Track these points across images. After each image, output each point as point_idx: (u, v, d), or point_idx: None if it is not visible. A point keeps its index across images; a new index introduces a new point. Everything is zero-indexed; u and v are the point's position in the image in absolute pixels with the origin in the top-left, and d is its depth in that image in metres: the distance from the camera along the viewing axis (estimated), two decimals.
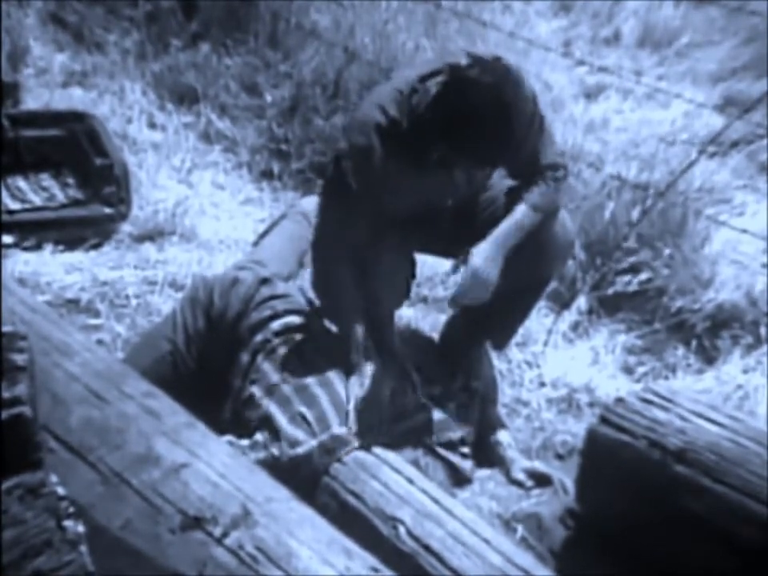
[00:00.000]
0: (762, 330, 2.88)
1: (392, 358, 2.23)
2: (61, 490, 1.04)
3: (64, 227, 2.99)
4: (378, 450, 1.83)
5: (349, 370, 2.11)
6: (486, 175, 2.22)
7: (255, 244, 2.80)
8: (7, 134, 3.07)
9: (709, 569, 1.52)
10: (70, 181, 3.16)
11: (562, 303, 2.95)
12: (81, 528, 1.02)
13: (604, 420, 1.68)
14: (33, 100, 3.60)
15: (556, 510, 1.90)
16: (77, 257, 2.89)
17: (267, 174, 3.58)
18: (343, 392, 2.05)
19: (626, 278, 3.01)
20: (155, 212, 3.13)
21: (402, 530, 1.54)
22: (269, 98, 3.81)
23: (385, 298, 2.24)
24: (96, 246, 2.97)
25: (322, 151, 3.55)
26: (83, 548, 1.01)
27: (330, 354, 2.15)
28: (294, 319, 2.21)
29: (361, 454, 1.79)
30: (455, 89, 1.93)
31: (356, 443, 1.88)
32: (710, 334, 2.90)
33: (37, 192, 3.10)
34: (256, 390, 2.08)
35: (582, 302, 2.96)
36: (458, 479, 2.20)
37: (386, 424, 2.12)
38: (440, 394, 2.31)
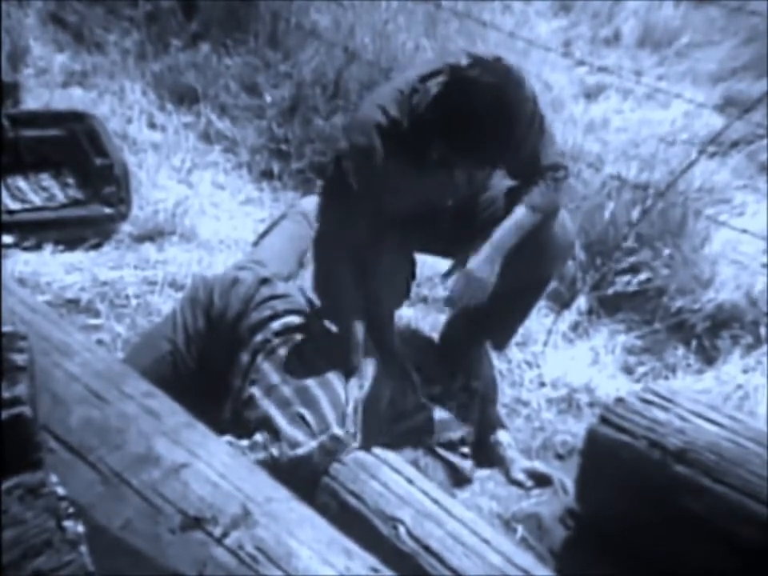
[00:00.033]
0: (762, 330, 2.88)
1: (392, 358, 2.23)
2: (61, 490, 1.04)
3: (64, 227, 2.99)
4: (377, 450, 1.83)
5: (348, 371, 2.11)
6: (486, 175, 2.22)
7: (255, 244, 2.80)
8: (7, 134, 3.07)
9: (709, 569, 1.52)
10: (70, 181, 3.15)
11: (562, 303, 2.95)
12: (81, 528, 1.02)
13: (604, 420, 1.68)
14: (33, 100, 3.60)
15: (556, 510, 1.90)
16: (77, 257, 2.89)
17: (267, 174, 3.58)
18: (343, 393, 2.05)
19: (626, 278, 3.01)
20: (155, 212, 3.13)
21: (402, 530, 1.54)
22: (269, 98, 3.81)
23: (385, 298, 2.24)
24: (96, 246, 2.97)
25: (322, 151, 3.55)
26: (83, 548, 1.01)
27: (329, 354, 2.15)
28: (294, 319, 2.21)
29: (361, 454, 1.79)
30: (456, 89, 1.93)
31: (356, 444, 1.88)
32: (710, 334, 2.90)
33: (37, 192, 3.10)
34: (256, 391, 2.08)
35: (582, 302, 2.96)
36: (458, 479, 2.20)
37: (386, 424, 2.12)
38: (440, 393, 2.32)
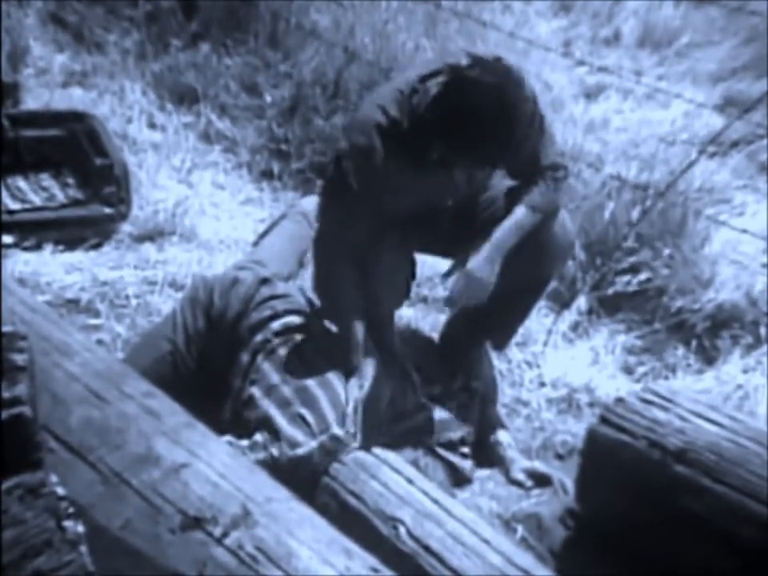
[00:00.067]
0: (762, 330, 2.88)
1: (392, 358, 2.23)
2: (61, 490, 1.04)
3: (64, 227, 2.99)
4: (377, 450, 1.83)
5: (348, 371, 2.11)
6: (486, 175, 2.22)
7: (255, 244, 2.80)
8: (7, 134, 3.07)
9: (709, 569, 1.52)
10: (70, 181, 3.15)
11: (562, 303, 2.95)
12: (81, 528, 1.02)
13: (604, 420, 1.68)
14: (33, 100, 3.60)
15: (556, 510, 1.90)
16: (77, 257, 2.89)
17: (267, 174, 3.58)
18: (343, 393, 2.05)
19: (626, 278, 3.01)
20: (155, 212, 3.13)
21: (402, 530, 1.54)
22: (269, 98, 3.81)
23: (385, 298, 2.24)
24: (96, 246, 2.97)
25: (322, 151, 3.55)
26: (83, 548, 1.01)
27: (329, 354, 2.15)
28: (294, 319, 2.21)
29: (361, 454, 1.79)
30: (456, 89, 1.93)
31: (356, 444, 1.88)
32: (710, 334, 2.90)
33: (37, 192, 3.10)
34: (256, 391, 2.08)
35: (582, 302, 2.96)
36: (458, 479, 2.20)
37: (386, 424, 2.12)
38: (440, 393, 2.32)
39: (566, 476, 2.14)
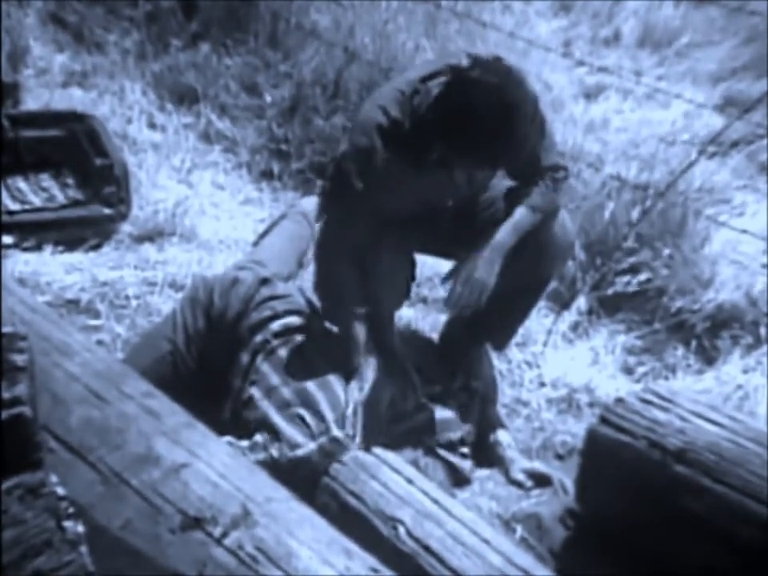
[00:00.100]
0: (762, 330, 2.88)
1: (392, 358, 2.23)
2: (61, 490, 1.04)
3: (64, 227, 2.99)
4: (377, 450, 1.83)
5: (349, 372, 2.11)
6: (486, 176, 2.22)
7: (255, 244, 2.80)
8: (7, 134, 3.07)
9: (709, 569, 1.52)
10: (70, 181, 3.16)
11: (562, 303, 2.95)
12: (81, 528, 1.02)
13: (604, 420, 1.68)
14: (33, 100, 3.60)
15: (556, 510, 1.89)
16: (77, 257, 2.89)
17: (267, 174, 3.58)
18: (342, 394, 2.05)
19: (626, 278, 3.01)
20: (155, 212, 3.13)
21: (401, 530, 1.53)
22: (269, 98, 3.81)
23: (385, 298, 2.24)
24: (96, 247, 2.97)
25: (322, 151, 3.56)
26: (83, 548, 1.01)
27: (329, 355, 2.15)
28: (294, 320, 2.21)
29: (361, 454, 1.79)
30: (457, 89, 1.94)
31: (355, 446, 1.88)
32: (709, 334, 2.90)
33: (37, 192, 3.10)
34: (255, 391, 2.08)
35: (581, 302, 2.96)
36: (458, 479, 2.20)
37: (386, 425, 2.12)
38: (440, 393, 2.32)
39: (566, 476, 2.14)
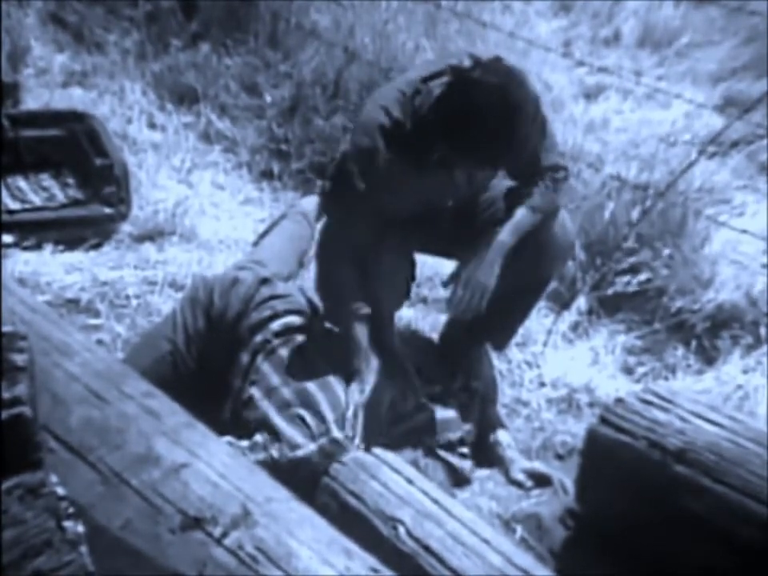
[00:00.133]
0: (762, 330, 2.88)
1: (392, 358, 2.23)
2: (61, 490, 1.04)
3: (64, 227, 2.99)
4: (377, 450, 1.83)
5: (349, 373, 2.11)
6: (486, 176, 2.22)
7: (255, 244, 2.80)
8: (7, 134, 3.07)
9: (709, 569, 1.52)
10: (70, 181, 3.16)
11: (562, 303, 2.95)
12: (81, 528, 1.02)
13: (604, 420, 1.68)
14: (33, 100, 3.60)
15: (556, 510, 1.89)
16: (77, 257, 2.89)
17: (267, 174, 3.58)
18: (343, 396, 2.05)
19: (626, 278, 3.01)
20: (155, 212, 3.13)
21: (401, 530, 1.53)
22: (269, 98, 3.81)
23: (385, 298, 2.24)
24: (96, 246, 2.97)
25: (322, 151, 3.56)
26: (83, 548, 1.01)
27: (330, 355, 2.15)
28: (294, 319, 2.21)
29: (361, 454, 1.79)
30: (459, 90, 1.94)
31: (355, 448, 1.88)
32: (709, 334, 2.90)
33: (37, 192, 3.10)
34: (255, 391, 2.08)
35: (581, 302, 2.96)
36: (458, 479, 2.20)
37: (385, 427, 2.12)
38: (440, 393, 2.32)
39: (566, 476, 2.14)
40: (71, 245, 2.93)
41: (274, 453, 1.93)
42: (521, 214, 2.13)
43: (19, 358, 1.12)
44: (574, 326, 2.90)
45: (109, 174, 3.09)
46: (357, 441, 1.96)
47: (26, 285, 2.62)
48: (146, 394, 1.36)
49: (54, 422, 1.27)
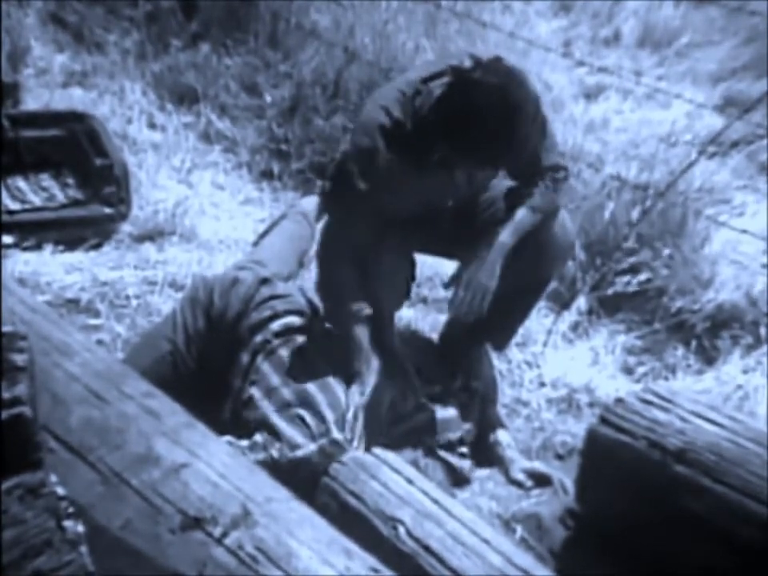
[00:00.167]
0: (762, 330, 2.88)
1: (392, 358, 2.23)
2: (61, 490, 1.04)
3: (64, 227, 3.00)
4: (377, 450, 1.83)
5: (349, 374, 2.11)
6: (486, 176, 2.22)
7: (255, 244, 2.80)
8: (7, 134, 3.07)
9: (709, 569, 1.52)
10: (70, 181, 3.16)
11: (562, 303, 2.95)
12: (81, 528, 1.02)
13: (604, 420, 1.68)
14: (33, 100, 3.60)
15: (556, 510, 1.89)
16: (77, 257, 2.89)
17: (267, 174, 3.58)
18: (343, 397, 2.05)
19: (626, 278, 3.01)
20: (155, 212, 3.13)
21: (401, 530, 1.53)
22: (269, 98, 3.81)
23: (385, 298, 2.24)
24: (96, 246, 2.97)
25: (322, 151, 3.56)
26: (83, 548, 1.01)
27: (330, 355, 2.15)
28: (294, 319, 2.21)
29: (361, 454, 1.79)
30: (459, 90, 1.94)
31: (354, 449, 1.89)
32: (709, 334, 2.90)
33: (37, 192, 3.10)
34: (256, 391, 2.08)
35: (581, 302, 2.96)
36: (457, 479, 2.20)
37: (385, 427, 2.12)
38: (440, 393, 2.32)
39: (566, 476, 2.14)
40: (71, 245, 2.94)
41: (274, 453, 1.93)
42: (521, 214, 2.13)
43: (19, 358, 1.12)
44: (574, 326, 2.90)
45: (109, 174, 3.09)
46: (356, 443, 1.96)
47: (26, 285, 2.62)
48: (145, 394, 1.36)
49: (54, 422, 1.27)
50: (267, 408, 2.04)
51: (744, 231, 2.92)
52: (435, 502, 1.59)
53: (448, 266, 2.27)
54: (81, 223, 3.03)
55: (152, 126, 3.69)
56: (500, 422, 2.40)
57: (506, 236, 2.11)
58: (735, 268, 3.08)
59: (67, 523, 1.01)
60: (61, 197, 3.11)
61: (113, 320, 2.60)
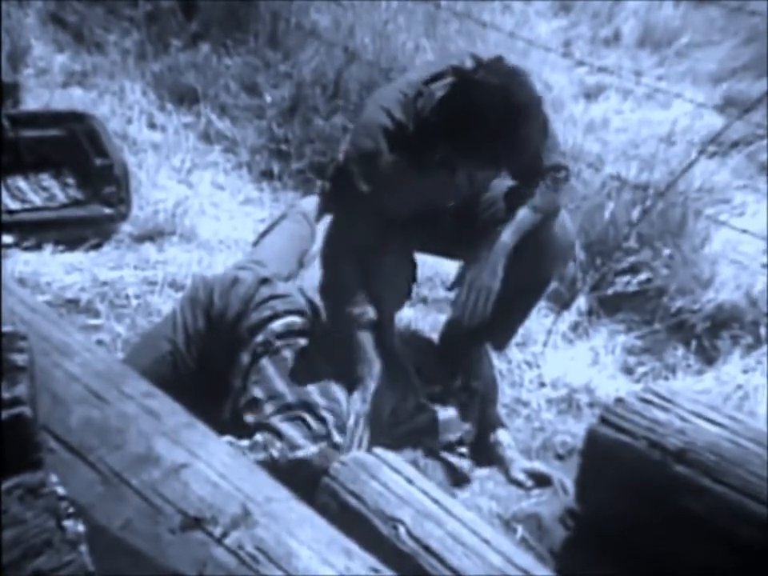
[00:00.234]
0: (762, 330, 2.88)
1: (392, 359, 2.23)
2: (61, 490, 1.04)
3: (64, 227, 3.00)
4: (378, 450, 1.83)
5: (351, 377, 2.10)
6: (487, 176, 2.22)
7: (255, 244, 2.80)
8: (7, 134, 3.07)
9: (709, 569, 1.52)
10: (70, 181, 3.15)
11: (562, 303, 2.95)
12: (81, 528, 1.02)
13: (604, 420, 1.68)
14: (33, 100, 3.60)
15: (556, 510, 1.89)
16: (77, 257, 2.89)
17: (267, 174, 3.58)
18: (344, 399, 2.05)
19: (626, 278, 3.01)
20: (155, 212, 3.13)
21: (402, 530, 1.53)
22: (269, 98, 3.81)
23: (386, 299, 2.24)
24: (96, 246, 2.97)
25: (322, 151, 3.56)
26: (83, 548, 1.01)
27: (331, 355, 2.15)
28: (294, 319, 2.21)
29: (361, 454, 1.79)
30: (461, 91, 1.94)
31: (354, 452, 1.89)
32: (709, 334, 2.90)
33: (37, 192, 3.10)
34: (256, 392, 2.08)
35: (581, 302, 2.96)
36: (457, 479, 2.20)
37: (386, 429, 2.12)
38: (440, 393, 2.32)
39: (566, 476, 2.14)
40: (71, 245, 2.94)
41: (274, 453, 1.93)
42: (522, 214, 2.13)
43: (19, 358, 1.12)
44: (574, 326, 2.90)
45: (109, 174, 3.09)
46: (357, 449, 1.96)
47: (26, 285, 2.62)
48: (145, 394, 1.36)
49: (54, 422, 1.26)
50: (268, 408, 2.04)
51: (744, 231, 2.92)
52: (435, 501, 1.59)
53: (448, 266, 2.27)
54: (81, 223, 3.03)
55: (152, 125, 3.69)
56: (500, 421, 2.40)
57: (507, 236, 2.11)
58: (735, 268, 3.08)
59: (67, 523, 1.01)
60: (61, 197, 3.11)
61: (113, 320, 2.60)
